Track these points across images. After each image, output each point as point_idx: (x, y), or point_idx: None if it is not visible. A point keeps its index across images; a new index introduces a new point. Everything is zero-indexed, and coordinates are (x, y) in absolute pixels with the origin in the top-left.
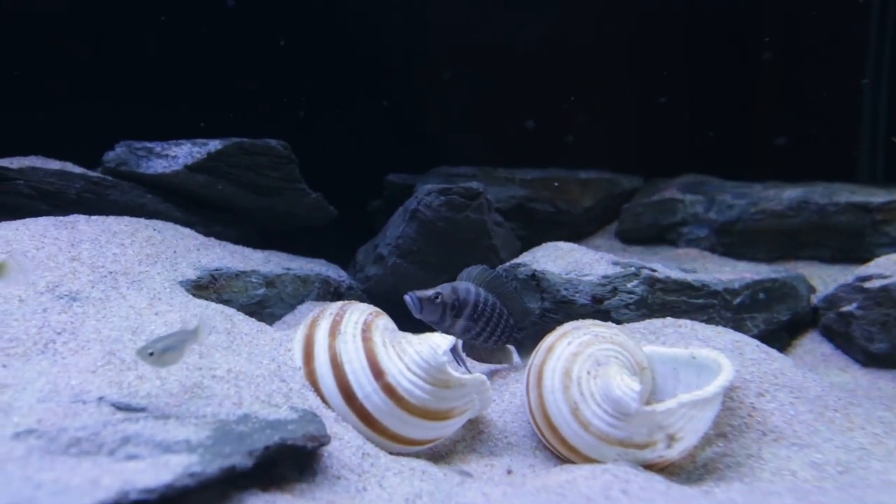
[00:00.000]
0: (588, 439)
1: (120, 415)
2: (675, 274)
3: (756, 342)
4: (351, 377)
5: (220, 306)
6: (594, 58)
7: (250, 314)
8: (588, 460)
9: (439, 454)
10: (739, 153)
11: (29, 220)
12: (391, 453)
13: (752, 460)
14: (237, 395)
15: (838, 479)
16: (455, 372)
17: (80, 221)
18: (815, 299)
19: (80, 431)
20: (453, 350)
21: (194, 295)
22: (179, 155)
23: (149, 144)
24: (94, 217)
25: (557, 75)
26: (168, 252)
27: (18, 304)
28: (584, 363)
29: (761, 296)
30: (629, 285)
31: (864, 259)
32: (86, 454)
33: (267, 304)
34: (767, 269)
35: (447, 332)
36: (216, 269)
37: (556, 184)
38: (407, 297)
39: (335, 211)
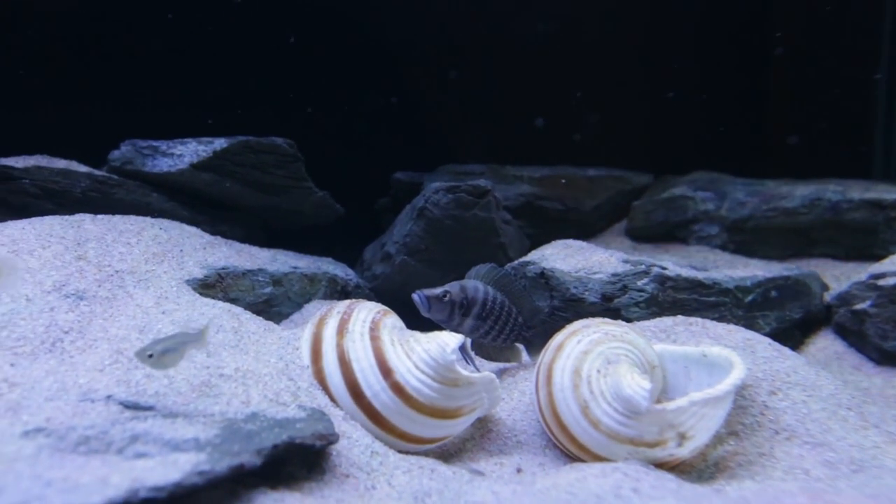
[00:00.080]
0: (598, 438)
1: (128, 413)
2: (686, 272)
3: (768, 340)
4: (359, 375)
5: (228, 305)
6: (603, 54)
7: (257, 313)
8: (598, 459)
9: (448, 452)
10: (751, 149)
11: (35, 219)
12: (400, 452)
13: (765, 459)
14: (245, 393)
15: (852, 477)
16: (464, 370)
17: (85, 220)
18: (828, 297)
19: (88, 430)
20: (462, 348)
21: (201, 294)
22: (185, 153)
23: (154, 143)
24: (99, 216)
25: (566, 72)
26: (174, 251)
27: (25, 304)
28: (594, 361)
29: (773, 294)
30: (639, 283)
31: (878, 256)
32: (95, 452)
33: (274, 303)
34: (780, 267)
35: (455, 330)
36: (223, 268)
37: (564, 181)
38: (415, 296)
39: (342, 209)
